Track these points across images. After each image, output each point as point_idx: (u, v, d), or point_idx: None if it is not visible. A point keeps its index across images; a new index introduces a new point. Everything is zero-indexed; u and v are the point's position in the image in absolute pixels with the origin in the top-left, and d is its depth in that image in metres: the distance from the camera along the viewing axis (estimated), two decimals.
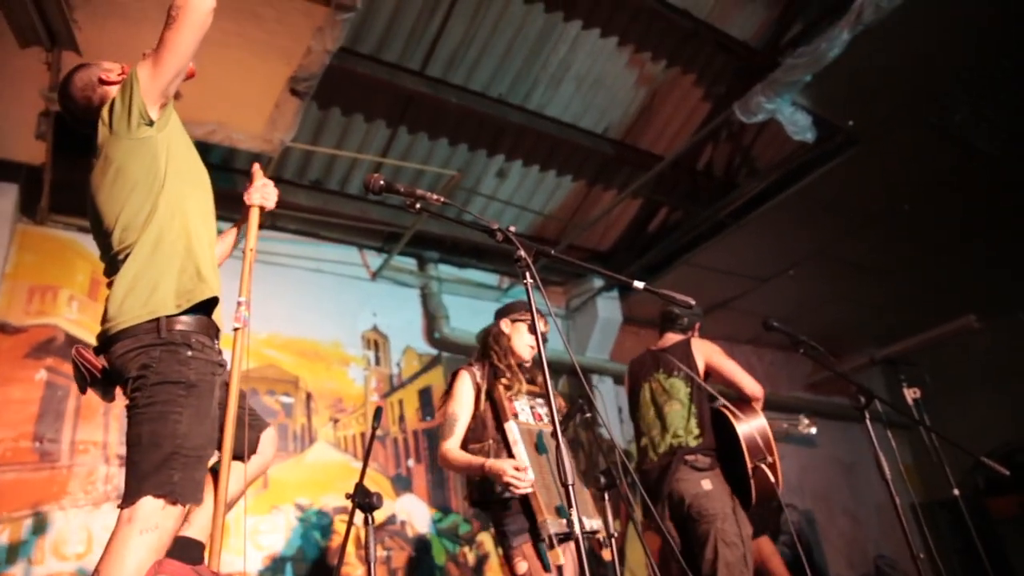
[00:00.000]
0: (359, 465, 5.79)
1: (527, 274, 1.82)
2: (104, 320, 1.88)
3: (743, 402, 3.50)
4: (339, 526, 5.57)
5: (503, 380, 2.89)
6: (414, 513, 5.99)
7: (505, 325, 3.01)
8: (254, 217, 2.30)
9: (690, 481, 3.39)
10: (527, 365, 3.02)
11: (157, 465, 1.71)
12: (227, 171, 5.47)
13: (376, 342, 6.50)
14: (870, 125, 5.40)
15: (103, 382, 1.89)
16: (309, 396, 5.92)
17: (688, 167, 6.58)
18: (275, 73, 4.17)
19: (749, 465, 3.30)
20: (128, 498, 1.71)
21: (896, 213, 6.58)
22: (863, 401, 3.11)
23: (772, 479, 3.26)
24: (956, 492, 3.89)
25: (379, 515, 2.56)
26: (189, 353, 1.83)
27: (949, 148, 5.76)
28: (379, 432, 3.00)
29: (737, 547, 3.27)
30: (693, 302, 1.86)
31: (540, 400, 2.96)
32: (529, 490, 2.59)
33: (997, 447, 8.14)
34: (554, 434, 1.68)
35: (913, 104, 5.28)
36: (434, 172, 5.83)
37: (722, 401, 3.51)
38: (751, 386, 3.53)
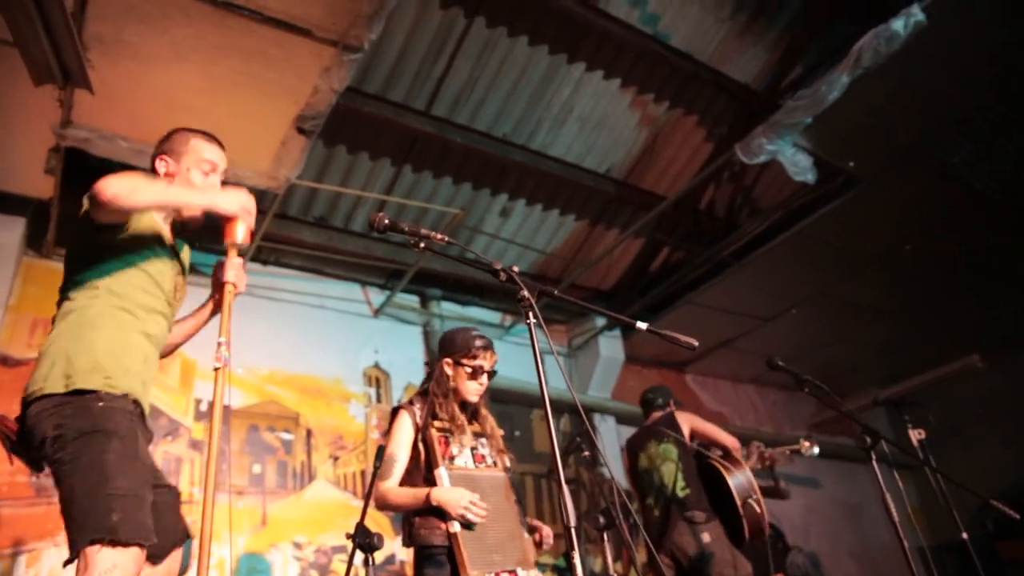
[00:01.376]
0: (358, 503, 5.76)
1: (530, 314, 1.82)
2: None
3: (727, 455, 4.08)
4: (337, 565, 5.50)
5: (437, 423, 2.78)
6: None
7: (448, 367, 2.89)
8: (228, 296, 2.32)
9: (690, 534, 3.77)
10: (472, 404, 2.91)
11: (94, 512, 1.72)
12: None
13: (378, 379, 6.48)
14: (871, 166, 5.44)
15: (24, 448, 1.92)
16: (309, 433, 5.89)
17: (690, 207, 6.62)
18: (282, 112, 4.23)
19: (739, 502, 3.71)
20: (72, 551, 1.72)
21: (898, 253, 6.59)
22: (869, 441, 3.10)
23: (759, 511, 3.75)
24: (964, 535, 3.82)
25: (379, 555, 2.51)
26: (100, 404, 1.88)
27: (950, 188, 5.79)
28: (379, 471, 2.96)
29: None
30: (696, 343, 1.86)
31: (484, 441, 2.86)
32: (479, 520, 2.55)
33: (1006, 488, 8.03)
34: (554, 473, 1.66)
35: (913, 145, 5.33)
36: (438, 210, 5.88)
37: (712, 455, 4.07)
38: (729, 440, 4.14)
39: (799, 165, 5.11)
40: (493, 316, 7.39)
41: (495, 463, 2.81)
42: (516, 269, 1.88)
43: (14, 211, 5.02)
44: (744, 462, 4.00)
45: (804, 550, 8.41)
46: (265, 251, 6.03)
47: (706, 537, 3.68)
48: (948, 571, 7.78)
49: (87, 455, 1.78)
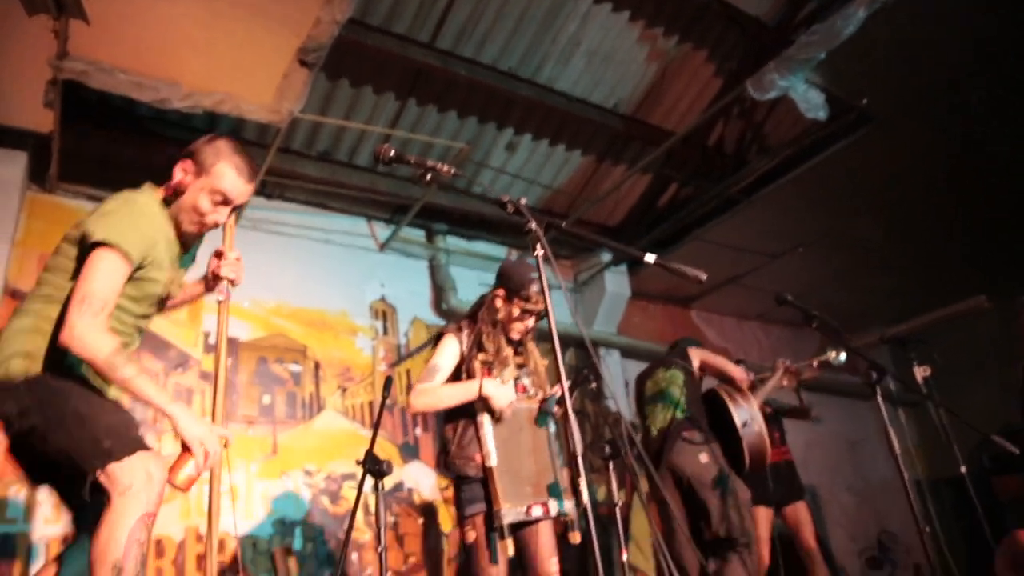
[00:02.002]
0: (367, 433, 5.89)
1: (537, 246, 1.81)
2: None
3: (732, 384, 4.07)
4: (347, 492, 5.64)
5: (482, 356, 2.80)
6: (421, 481, 6.06)
7: (499, 299, 2.90)
8: (225, 301, 2.32)
9: (687, 455, 3.72)
10: (516, 340, 2.92)
11: (86, 450, 1.85)
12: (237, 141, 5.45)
13: (384, 312, 6.53)
14: (885, 104, 5.34)
15: None
16: (317, 365, 5.97)
17: (699, 143, 6.53)
18: (284, 44, 4.15)
19: (738, 423, 3.73)
20: (89, 487, 1.85)
21: (909, 192, 6.53)
22: (875, 377, 3.13)
23: (759, 439, 3.77)
24: (963, 469, 3.89)
25: (387, 482, 2.58)
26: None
27: (966, 127, 5.70)
28: (387, 401, 3.01)
29: (738, 513, 3.52)
30: (704, 276, 1.85)
31: (527, 372, 2.89)
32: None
33: (1005, 426, 8.14)
34: (561, 403, 1.68)
35: (929, 82, 5.21)
36: (443, 145, 5.81)
37: (718, 384, 4.05)
38: (735, 371, 4.13)
39: (811, 102, 5.01)
40: (499, 251, 7.39)
41: (535, 395, 2.84)
42: (524, 201, 1.87)
43: (15, 145, 4.99)
44: (751, 395, 4.00)
45: (804, 483, 8.59)
46: (270, 185, 6.00)
47: (703, 458, 3.68)
48: (944, 504, 7.97)
49: (60, 416, 1.90)
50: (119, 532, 1.74)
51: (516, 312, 2.83)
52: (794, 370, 4.70)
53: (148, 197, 2.14)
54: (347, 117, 5.57)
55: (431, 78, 5.49)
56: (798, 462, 5.14)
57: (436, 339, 2.93)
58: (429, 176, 1.92)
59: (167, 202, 2.18)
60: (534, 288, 2.77)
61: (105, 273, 1.92)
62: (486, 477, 2.58)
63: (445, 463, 2.73)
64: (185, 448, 1.96)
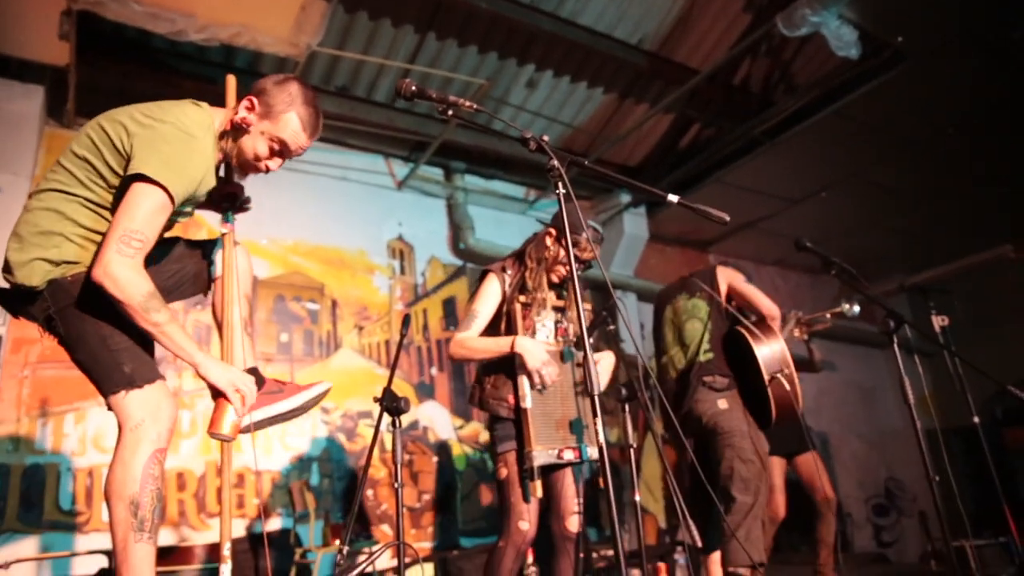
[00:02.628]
0: (383, 372, 5.96)
1: (559, 184, 1.77)
2: None
3: (761, 322, 3.53)
4: (363, 429, 5.74)
5: (523, 297, 2.77)
6: (436, 420, 6.15)
7: (550, 239, 2.83)
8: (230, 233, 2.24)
9: (707, 401, 3.47)
10: (556, 282, 2.88)
11: (105, 372, 1.85)
12: (253, 76, 5.38)
13: (401, 251, 6.52)
14: (920, 42, 5.16)
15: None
16: (334, 303, 6.00)
17: (724, 82, 6.36)
18: None
19: (766, 376, 3.30)
20: (106, 400, 1.86)
21: (938, 137, 6.36)
22: (892, 325, 3.08)
23: (788, 388, 3.29)
24: (976, 420, 3.88)
25: (402, 420, 2.60)
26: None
27: (1003, 68, 5.51)
28: (403, 340, 3.01)
29: (753, 463, 3.33)
30: (727, 217, 1.81)
31: (570, 316, 2.86)
32: (548, 383, 2.60)
33: (1020, 380, 8.12)
34: (580, 345, 1.67)
35: (968, 19, 5.02)
36: (462, 80, 5.70)
37: (742, 322, 3.55)
38: (768, 306, 3.54)
39: (843, 39, 4.85)
40: (517, 190, 7.33)
41: (574, 340, 2.83)
42: (546, 138, 1.82)
43: (32, 79, 4.95)
44: (780, 333, 3.52)
45: (814, 430, 8.65)
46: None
47: (723, 404, 3.44)
48: (954, 453, 8.00)
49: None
50: (134, 468, 1.75)
51: (562, 254, 2.78)
52: (806, 321, 4.64)
53: (206, 128, 1.97)
54: (365, 51, 5.46)
55: (451, 11, 5.34)
56: (810, 409, 5.12)
57: (481, 276, 2.87)
58: (450, 112, 1.87)
59: (224, 134, 2.06)
60: (587, 234, 2.72)
61: (150, 212, 1.81)
62: (519, 418, 2.60)
63: (480, 401, 2.76)
64: (219, 396, 1.92)
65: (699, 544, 2.48)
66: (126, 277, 1.75)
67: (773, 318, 3.50)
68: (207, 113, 2.02)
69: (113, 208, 1.88)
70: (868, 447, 9.58)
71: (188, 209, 2.07)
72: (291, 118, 2.04)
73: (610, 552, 5.07)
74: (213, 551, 4.56)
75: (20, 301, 1.92)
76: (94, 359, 1.85)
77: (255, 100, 2.03)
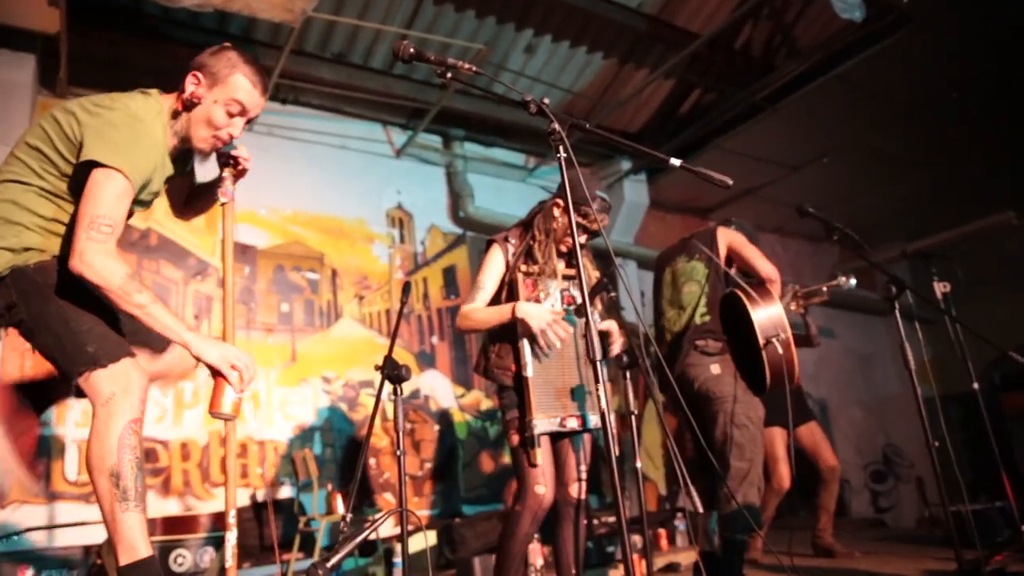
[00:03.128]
0: (384, 341, 5.96)
1: (560, 148, 1.75)
2: None
3: (760, 286, 3.41)
4: (364, 399, 5.76)
5: (526, 266, 2.75)
6: (437, 388, 6.17)
7: (557, 209, 2.79)
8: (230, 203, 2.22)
9: (700, 366, 3.43)
10: (565, 252, 2.85)
11: (70, 354, 1.85)
12: (247, 43, 5.31)
13: (400, 220, 6.49)
14: (924, 4, 5.07)
15: None
16: (334, 273, 5.99)
17: (725, 46, 6.27)
18: None
19: (761, 340, 3.20)
20: (74, 387, 1.88)
21: (942, 102, 6.30)
22: (894, 291, 3.06)
23: (782, 352, 3.19)
24: (976, 386, 3.89)
25: (404, 389, 2.60)
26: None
27: (1009, 32, 5.43)
28: (404, 309, 3.00)
29: (747, 428, 3.31)
30: (730, 181, 1.79)
31: (575, 283, 2.83)
32: (558, 344, 2.59)
33: (1020, 345, 8.15)
34: (582, 312, 1.66)
35: None
36: (460, 46, 5.62)
37: (738, 284, 3.42)
38: (767, 269, 3.46)
39: (847, 1, 4.78)
40: (517, 158, 7.28)
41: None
42: (547, 101, 1.79)
43: (23, 47, 4.87)
44: (779, 300, 3.36)
45: (813, 396, 8.70)
46: (283, 89, 5.86)
47: (715, 368, 3.39)
48: (952, 420, 8.05)
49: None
50: (109, 441, 1.77)
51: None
52: (803, 294, 4.63)
53: (155, 113, 2.00)
54: (361, 16, 5.37)
55: None
56: (808, 376, 5.14)
57: (486, 248, 2.85)
58: (449, 75, 1.83)
59: (176, 114, 2.07)
60: (596, 204, 2.68)
61: (114, 197, 1.84)
62: (521, 387, 2.60)
63: (485, 370, 2.76)
64: (215, 374, 1.90)
65: (700, 510, 2.49)
66: (101, 263, 1.78)
67: (772, 281, 3.42)
68: (156, 99, 2.05)
69: (69, 196, 1.92)
70: (866, 414, 9.64)
71: (147, 199, 2.08)
72: (239, 78, 2.05)
73: (611, 519, 5.12)
74: (218, 520, 4.59)
75: None
76: (58, 341, 1.86)
77: (199, 74, 2.04)
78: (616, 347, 2.80)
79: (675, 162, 1.83)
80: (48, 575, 3.82)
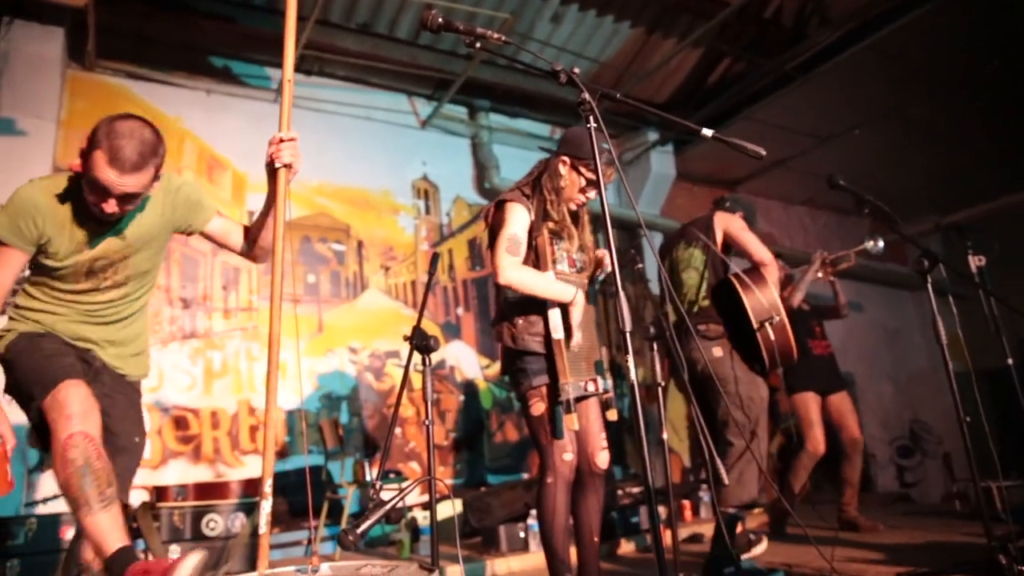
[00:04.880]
0: (410, 312, 6.00)
1: (591, 118, 1.72)
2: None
3: (753, 270, 3.51)
4: (390, 369, 5.81)
5: (550, 224, 2.65)
6: (463, 359, 6.21)
7: (563, 166, 2.69)
8: (282, 179, 2.18)
9: (700, 349, 3.52)
10: (572, 211, 2.77)
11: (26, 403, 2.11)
12: (272, 13, 5.29)
13: (426, 191, 6.49)
14: None
15: None
16: (360, 244, 6.02)
17: (755, 15, 6.13)
18: None
19: (755, 324, 3.32)
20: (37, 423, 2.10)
21: (980, 71, 6.12)
22: (926, 264, 3.01)
23: (774, 336, 3.30)
24: (1010, 361, 3.82)
25: (431, 359, 2.60)
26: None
27: None
28: (432, 280, 2.99)
29: (749, 408, 3.41)
30: (763, 152, 1.76)
31: (580, 247, 2.77)
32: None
33: None
34: (611, 282, 1.65)
35: None
36: (486, 15, 5.56)
37: (733, 270, 3.53)
38: (759, 253, 3.55)
39: None
40: (543, 128, 7.22)
41: (583, 270, 2.77)
42: (576, 70, 1.76)
43: (51, 20, 4.89)
44: (770, 284, 3.46)
45: (840, 371, 8.62)
46: (309, 60, 5.85)
47: (716, 352, 3.49)
48: (983, 396, 7.95)
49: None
50: (56, 462, 1.91)
51: (580, 182, 2.66)
52: (831, 261, 4.59)
53: (37, 187, 2.12)
54: None
55: None
56: (838, 350, 5.10)
57: (497, 207, 2.74)
58: (478, 45, 1.81)
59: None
60: (604, 157, 2.61)
61: None
62: (551, 351, 2.56)
63: (512, 337, 2.67)
64: None
65: (726, 481, 2.49)
66: None
67: (765, 264, 3.49)
68: (55, 177, 2.20)
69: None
70: (894, 388, 9.55)
71: (62, 257, 2.16)
72: (97, 155, 1.96)
73: (634, 489, 5.15)
74: (248, 486, 4.69)
75: None
76: (18, 391, 2.13)
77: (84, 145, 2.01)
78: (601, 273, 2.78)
79: (707, 132, 1.81)
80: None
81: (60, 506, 4.43)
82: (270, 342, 1.98)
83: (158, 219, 2.27)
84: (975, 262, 3.92)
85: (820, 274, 4.62)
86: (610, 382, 2.66)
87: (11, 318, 2.23)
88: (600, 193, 1.77)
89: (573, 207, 2.74)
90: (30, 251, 2.11)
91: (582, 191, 2.67)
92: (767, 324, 3.32)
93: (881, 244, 4.18)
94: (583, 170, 2.64)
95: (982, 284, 3.70)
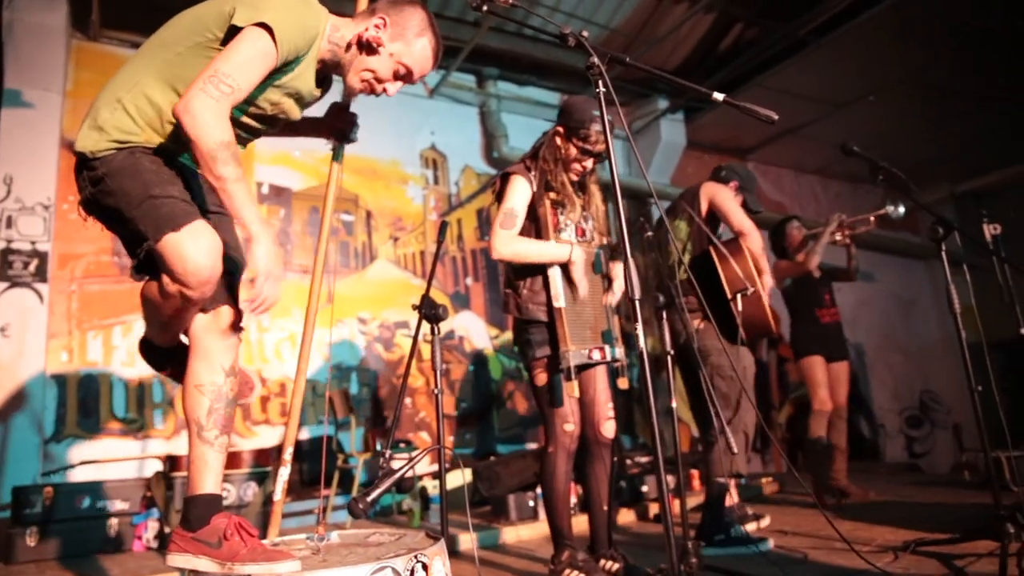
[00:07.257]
0: (419, 282, 6.00)
1: (600, 83, 1.69)
2: None
3: (732, 241, 3.49)
4: (399, 339, 5.83)
5: (552, 194, 2.68)
6: (472, 329, 6.21)
7: (559, 137, 2.71)
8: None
9: (681, 322, 3.52)
10: (575, 180, 2.78)
11: (147, 218, 1.68)
12: None
13: (434, 161, 6.45)
14: None
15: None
16: (369, 214, 6.00)
17: None
18: None
19: (728, 295, 3.33)
20: (144, 261, 1.73)
21: (1000, 32, 5.97)
22: (941, 232, 2.97)
23: (743, 308, 3.32)
24: (1023, 331, 3.79)
25: (440, 329, 2.60)
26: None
27: None
28: (440, 250, 2.98)
29: (733, 379, 3.43)
30: (776, 116, 1.72)
31: (587, 215, 2.78)
32: (585, 290, 2.58)
33: None
34: (620, 250, 1.63)
35: None
36: None
37: (713, 242, 3.51)
38: (739, 223, 3.51)
39: None
40: (551, 96, 7.14)
41: (592, 239, 2.77)
42: (586, 34, 1.72)
43: None
44: (748, 251, 3.43)
45: (851, 340, 8.60)
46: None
47: (698, 323, 3.51)
48: (995, 367, 7.91)
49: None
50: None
51: (574, 152, 2.66)
52: (849, 224, 4.57)
53: (321, 10, 1.87)
54: None
55: None
56: (848, 320, 5.12)
57: (502, 180, 2.77)
58: (485, 8, 1.77)
59: (349, 47, 1.92)
60: (595, 127, 2.59)
61: (248, 58, 1.66)
62: (553, 319, 2.58)
63: (517, 307, 2.69)
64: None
65: (734, 451, 2.49)
66: (204, 118, 1.60)
67: (746, 235, 3.46)
68: (322, 7, 1.92)
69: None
70: (904, 358, 9.51)
71: (275, 99, 1.87)
72: (424, 44, 1.93)
73: (642, 459, 5.17)
74: (259, 456, 4.74)
75: (79, 169, 1.83)
76: (133, 208, 1.70)
77: (385, 22, 1.91)
78: (613, 299, 2.76)
79: (718, 96, 1.77)
80: (102, 504, 3.99)
81: (76, 475, 4.51)
82: (306, 321, 1.99)
83: None
84: (990, 231, 3.87)
85: (838, 236, 4.62)
86: (621, 351, 2.64)
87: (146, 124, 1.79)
88: (609, 160, 1.74)
89: (574, 176, 2.73)
90: (279, 61, 1.75)
91: (577, 160, 2.67)
92: (739, 295, 3.33)
93: (902, 209, 4.15)
94: (575, 140, 2.64)
95: (997, 252, 3.65)
